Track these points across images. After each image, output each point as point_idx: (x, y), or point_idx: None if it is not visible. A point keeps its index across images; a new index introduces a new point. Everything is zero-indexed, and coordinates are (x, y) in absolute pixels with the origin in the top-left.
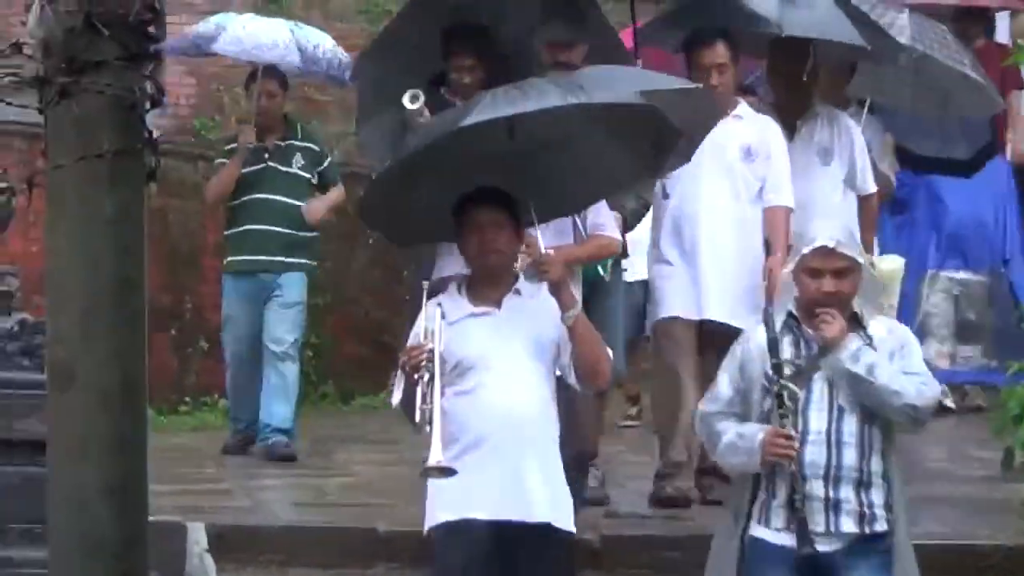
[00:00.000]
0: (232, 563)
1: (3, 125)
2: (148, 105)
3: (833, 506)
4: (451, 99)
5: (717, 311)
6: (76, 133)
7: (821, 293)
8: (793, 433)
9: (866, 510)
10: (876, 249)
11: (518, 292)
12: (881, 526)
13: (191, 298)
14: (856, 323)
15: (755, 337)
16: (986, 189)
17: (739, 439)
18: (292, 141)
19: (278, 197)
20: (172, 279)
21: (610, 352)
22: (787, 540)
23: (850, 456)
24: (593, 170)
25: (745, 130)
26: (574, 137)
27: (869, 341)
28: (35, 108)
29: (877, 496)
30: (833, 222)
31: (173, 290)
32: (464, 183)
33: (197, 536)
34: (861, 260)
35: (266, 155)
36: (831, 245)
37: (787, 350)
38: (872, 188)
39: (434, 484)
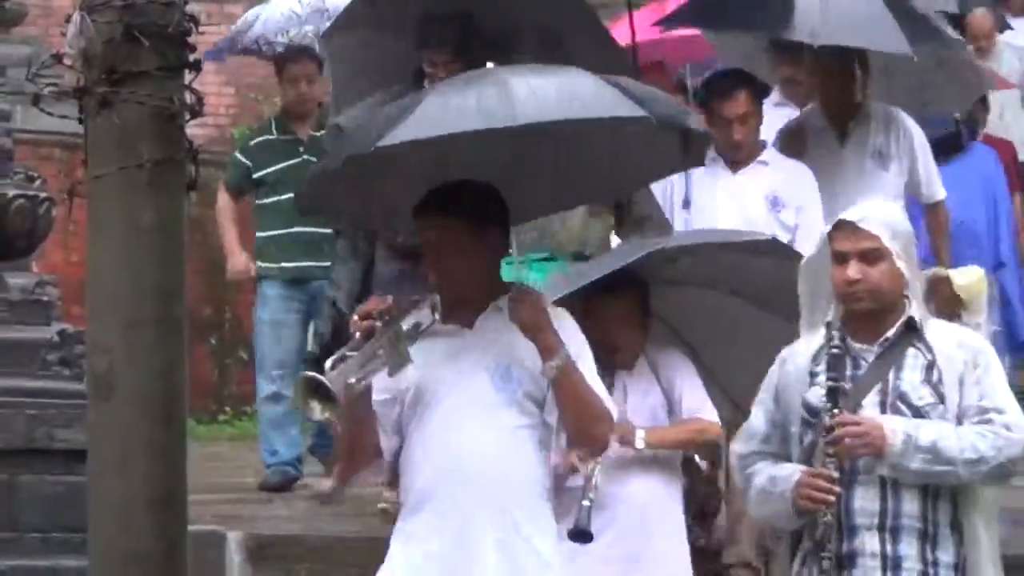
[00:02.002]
0: (270, 573)
1: (43, 135)
2: (188, 115)
3: (891, 565)
4: None
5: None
6: (116, 143)
7: (843, 282)
8: (835, 474)
9: (930, 570)
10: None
11: (499, 309)
12: None
13: (230, 308)
14: (912, 333)
15: (794, 356)
16: (975, 187)
17: (771, 484)
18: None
19: None
20: (211, 290)
21: (613, 409)
22: None
23: (911, 501)
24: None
25: (771, 177)
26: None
27: (930, 359)
28: (75, 118)
29: (945, 553)
30: (875, 200)
31: (212, 300)
32: (436, 175)
33: (236, 545)
34: (892, 245)
35: (300, 148)
36: (853, 219)
37: (826, 371)
38: (940, 194)
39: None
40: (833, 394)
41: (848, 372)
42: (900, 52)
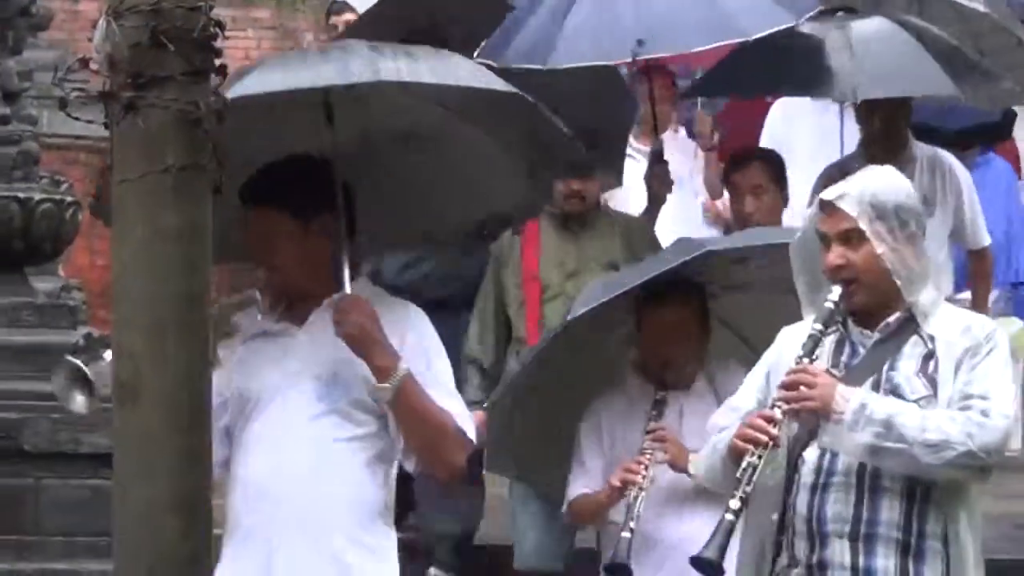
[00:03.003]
0: None
1: (70, 140)
2: (214, 120)
3: None
4: None
5: None
6: (141, 148)
7: (828, 268)
8: (778, 416)
9: None
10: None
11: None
12: None
13: None
14: (916, 320)
15: (791, 335)
16: (994, 202)
17: (720, 441)
18: None
19: None
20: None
21: (471, 431)
22: None
23: (889, 507)
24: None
25: None
26: (432, 132)
27: (930, 349)
28: (101, 123)
29: (932, 568)
30: (862, 173)
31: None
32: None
33: None
34: (874, 227)
35: None
36: (831, 198)
37: (824, 357)
38: (986, 240)
39: None
40: (811, 343)
41: (844, 358)
42: (947, 94)
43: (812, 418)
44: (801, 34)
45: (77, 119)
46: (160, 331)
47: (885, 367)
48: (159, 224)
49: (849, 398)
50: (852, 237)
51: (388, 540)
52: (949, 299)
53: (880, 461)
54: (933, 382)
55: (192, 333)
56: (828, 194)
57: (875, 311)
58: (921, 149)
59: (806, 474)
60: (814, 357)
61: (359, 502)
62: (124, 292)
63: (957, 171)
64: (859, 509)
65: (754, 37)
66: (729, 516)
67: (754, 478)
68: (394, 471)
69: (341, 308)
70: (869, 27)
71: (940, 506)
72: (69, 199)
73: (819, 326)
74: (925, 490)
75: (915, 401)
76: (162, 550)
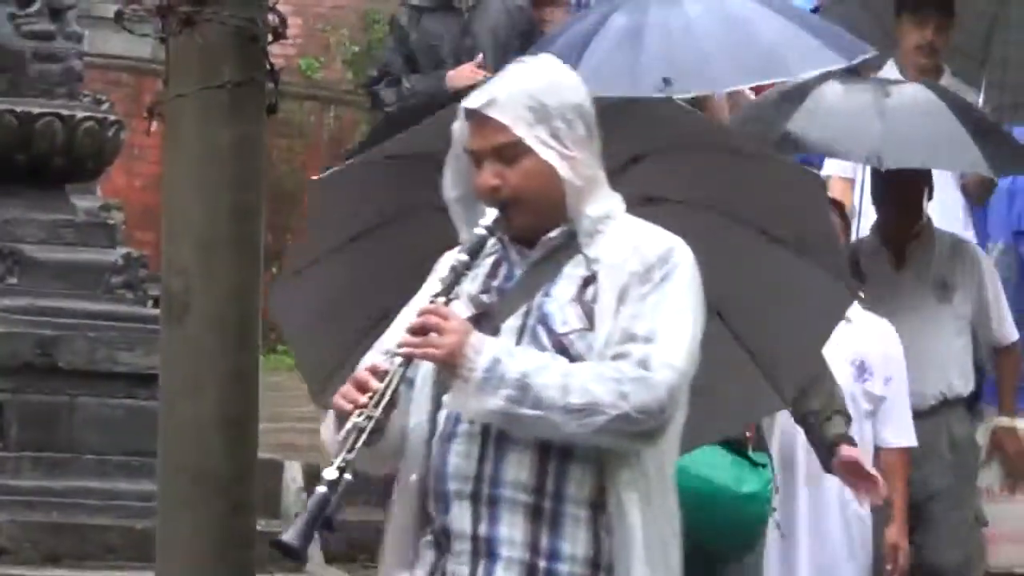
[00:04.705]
0: None
1: (111, 59)
2: (270, 37)
3: (484, 550)
4: None
5: None
6: (197, 63)
7: (480, 191)
8: (387, 368)
9: (542, 562)
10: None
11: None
12: None
13: (292, 237)
14: (574, 239)
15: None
16: None
17: None
18: None
19: None
20: (275, 218)
21: None
22: None
23: (517, 463)
24: None
25: (858, 337)
26: None
27: (591, 272)
28: (157, 37)
29: (573, 543)
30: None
31: (275, 229)
32: None
33: (294, 474)
34: (535, 132)
35: None
36: (478, 105)
37: (478, 278)
38: (1013, 336)
39: None
40: (452, 277)
41: (498, 282)
42: (978, 171)
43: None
44: (833, 88)
45: (132, 32)
46: (211, 247)
47: (540, 293)
48: (213, 139)
49: (482, 350)
50: (507, 151)
51: None
52: None
53: (517, 429)
54: (590, 313)
55: (243, 249)
56: (472, 101)
57: (539, 227)
58: (943, 233)
59: (441, 422)
60: (452, 296)
61: None
62: (175, 207)
63: (981, 260)
64: (483, 465)
65: (800, 78)
66: (322, 488)
67: (358, 443)
68: None
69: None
70: (906, 93)
71: (588, 463)
72: (112, 118)
73: (464, 257)
74: (563, 445)
75: (566, 334)
76: (208, 467)
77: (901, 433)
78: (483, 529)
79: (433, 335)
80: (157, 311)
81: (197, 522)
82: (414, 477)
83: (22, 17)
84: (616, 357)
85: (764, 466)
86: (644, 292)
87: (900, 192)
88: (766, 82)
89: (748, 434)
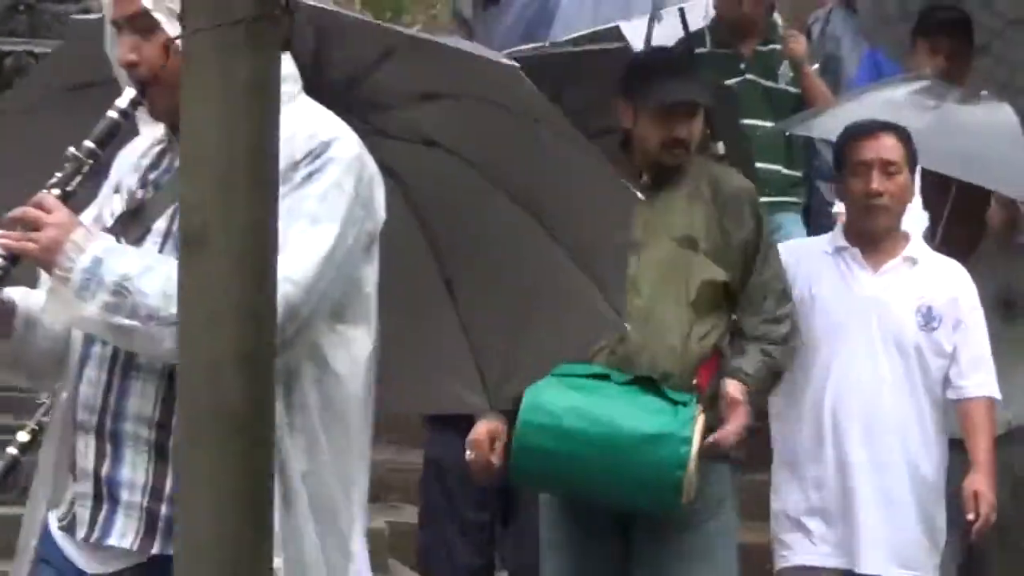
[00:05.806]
0: None
1: None
2: None
3: (107, 493)
4: None
5: (875, 563)
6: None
7: (120, 62)
8: None
9: (164, 509)
10: None
11: None
12: None
13: None
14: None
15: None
16: None
17: None
18: (775, 45)
19: (766, 123)
20: None
21: None
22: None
23: (141, 393)
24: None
25: (923, 281)
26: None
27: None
28: None
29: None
30: None
31: None
32: None
33: None
34: (154, 5)
35: (742, 65)
36: None
37: (140, 170)
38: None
39: None
40: (73, 167)
41: (156, 175)
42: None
43: None
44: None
45: None
46: (228, 184)
47: None
48: (229, 76)
49: (85, 249)
50: (139, 21)
51: None
52: None
53: (122, 343)
54: None
55: (261, 185)
56: None
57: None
58: (1001, 240)
59: (79, 341)
60: (70, 188)
61: None
62: (192, 144)
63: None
64: (108, 396)
65: None
66: None
67: None
68: None
69: None
70: (981, 111)
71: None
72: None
73: (89, 144)
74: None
75: None
76: (226, 403)
77: (982, 382)
78: (105, 468)
79: (34, 231)
80: None
81: (215, 459)
82: (64, 396)
83: None
84: None
85: (685, 404)
86: (283, 193)
87: (960, 194)
88: None
89: (695, 380)
